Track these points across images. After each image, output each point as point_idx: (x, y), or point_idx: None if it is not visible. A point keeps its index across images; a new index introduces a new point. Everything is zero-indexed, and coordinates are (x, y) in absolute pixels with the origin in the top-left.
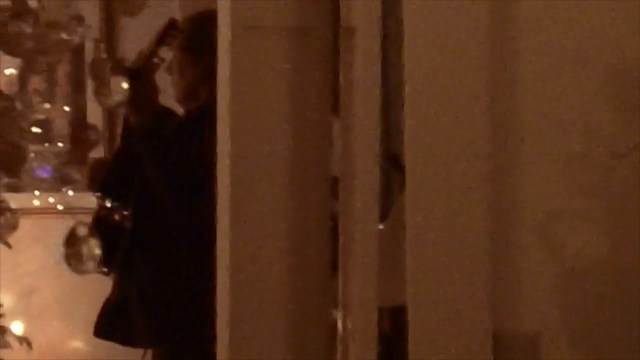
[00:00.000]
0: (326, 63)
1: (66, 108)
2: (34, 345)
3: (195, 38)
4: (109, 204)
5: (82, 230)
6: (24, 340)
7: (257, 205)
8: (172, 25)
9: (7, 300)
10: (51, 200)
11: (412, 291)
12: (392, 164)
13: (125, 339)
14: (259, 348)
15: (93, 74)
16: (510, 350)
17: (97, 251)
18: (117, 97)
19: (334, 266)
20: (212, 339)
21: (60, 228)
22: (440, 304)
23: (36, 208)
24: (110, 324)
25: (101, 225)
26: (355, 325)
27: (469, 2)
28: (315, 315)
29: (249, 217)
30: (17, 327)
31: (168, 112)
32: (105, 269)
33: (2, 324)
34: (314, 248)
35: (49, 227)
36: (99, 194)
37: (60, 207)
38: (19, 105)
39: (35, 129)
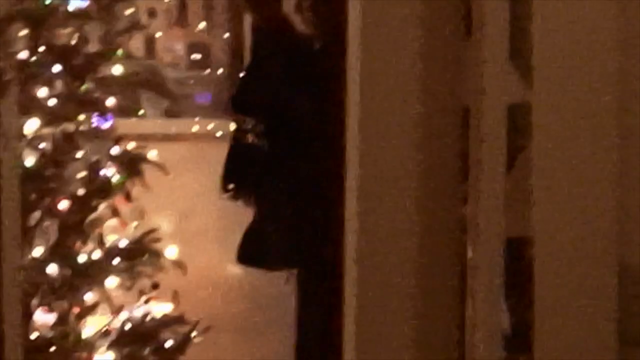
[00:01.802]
0: None
1: (225, 35)
2: (189, 269)
3: None
4: (244, 123)
5: None
6: (179, 264)
7: (387, 137)
8: None
9: (164, 225)
10: (210, 126)
11: (538, 223)
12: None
13: (264, 263)
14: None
15: None
16: (636, 284)
17: None
18: None
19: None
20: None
21: (217, 154)
22: (566, 237)
23: (194, 134)
24: (250, 250)
25: (238, 146)
26: (482, 255)
27: None
28: (446, 244)
29: (378, 149)
30: (172, 251)
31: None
32: (230, 189)
33: (157, 248)
34: (444, 178)
35: (206, 153)
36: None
37: (218, 134)
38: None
39: (195, 56)
